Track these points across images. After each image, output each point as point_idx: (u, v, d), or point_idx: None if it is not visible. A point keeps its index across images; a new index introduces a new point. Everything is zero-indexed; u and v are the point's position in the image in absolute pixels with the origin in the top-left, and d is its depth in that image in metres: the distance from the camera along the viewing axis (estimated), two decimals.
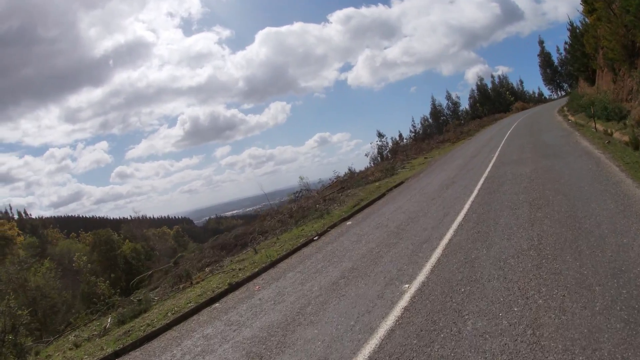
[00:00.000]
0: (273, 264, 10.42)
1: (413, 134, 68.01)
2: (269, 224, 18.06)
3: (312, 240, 11.87)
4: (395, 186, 17.39)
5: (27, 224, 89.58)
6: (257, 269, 10.18)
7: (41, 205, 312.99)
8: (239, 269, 10.91)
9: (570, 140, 16.15)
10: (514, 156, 15.46)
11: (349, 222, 13.11)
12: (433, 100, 77.40)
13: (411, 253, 7.53)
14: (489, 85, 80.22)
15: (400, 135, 68.57)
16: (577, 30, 33.86)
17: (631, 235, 5.74)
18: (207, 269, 13.15)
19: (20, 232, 65.85)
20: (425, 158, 25.57)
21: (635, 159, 10.27)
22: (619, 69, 18.98)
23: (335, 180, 25.15)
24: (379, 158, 36.74)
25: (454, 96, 79.79)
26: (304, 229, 13.65)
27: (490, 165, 14.79)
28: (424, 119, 75.28)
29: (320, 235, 12.21)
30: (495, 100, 75.45)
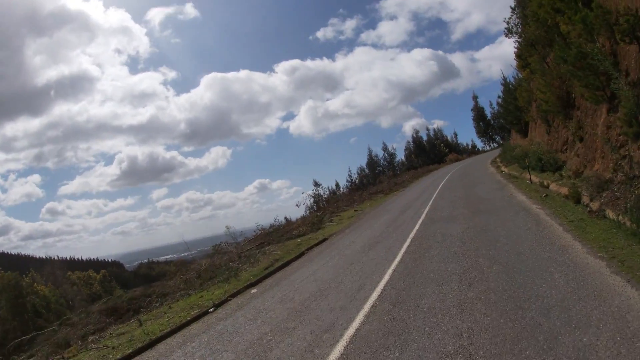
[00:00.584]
0: (151, 344, 8.49)
1: (349, 184, 68.01)
2: (174, 284, 15.83)
3: (206, 313, 9.90)
4: (317, 244, 15.62)
5: None
6: (131, 350, 8.39)
7: None
8: (113, 347, 9.16)
9: (505, 193, 15.28)
10: (445, 212, 14.26)
11: (254, 290, 11.09)
12: (370, 151, 78.39)
13: (306, 349, 5.69)
14: (425, 138, 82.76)
15: (337, 185, 68.28)
16: (510, 85, 34.93)
17: (592, 329, 4.31)
18: (89, 338, 11.08)
19: None
20: (355, 211, 24.16)
21: (579, 215, 9.17)
22: (553, 120, 18.77)
23: (258, 234, 23.05)
24: (314, 207, 35.30)
25: (390, 147, 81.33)
26: (204, 296, 11.72)
27: (420, 222, 13.45)
28: (361, 169, 75.54)
29: (217, 306, 10.29)
30: (430, 152, 77.54)
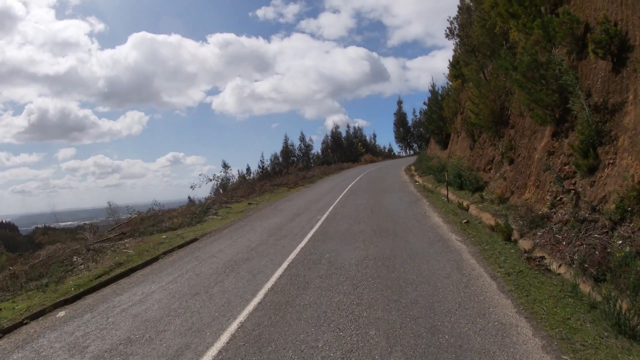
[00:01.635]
0: None
1: (260, 170, 64.43)
2: None
3: None
4: (182, 245, 12.32)
5: None
6: None
7: None
8: None
9: (418, 210, 12.87)
10: (343, 225, 11.50)
11: (61, 313, 7.61)
12: (286, 139, 74.99)
13: None
14: (344, 134, 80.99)
15: (249, 170, 64.41)
16: (438, 94, 33.27)
17: None
18: None
19: None
20: (249, 204, 20.93)
21: (514, 262, 6.74)
22: (479, 136, 16.79)
23: (129, 218, 19.10)
24: (220, 190, 31.62)
25: (307, 139, 78.60)
26: (3, 308, 8.03)
27: (309, 235, 10.63)
28: (274, 157, 72.24)
29: (4, 332, 6.70)
30: (347, 149, 75.88)
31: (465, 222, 10.47)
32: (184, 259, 10.20)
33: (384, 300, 5.61)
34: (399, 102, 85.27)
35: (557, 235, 7.42)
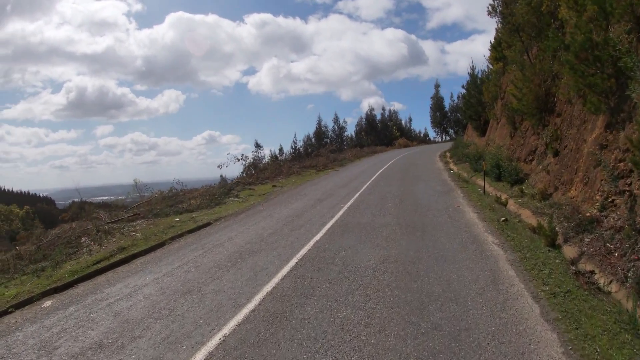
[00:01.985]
0: None
1: (292, 151, 63.62)
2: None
3: None
4: (192, 230, 11.62)
5: None
6: None
7: None
8: None
9: (451, 202, 11.71)
10: (366, 216, 10.49)
11: (47, 303, 7.05)
12: (319, 120, 73.55)
13: None
14: (378, 117, 78.84)
15: (281, 150, 63.67)
16: (478, 77, 31.34)
17: None
18: None
19: None
20: (273, 186, 20.08)
21: (561, 279, 5.55)
22: (521, 123, 15.29)
23: (148, 198, 18.61)
24: (252, 170, 31.08)
25: (342, 120, 76.83)
26: None
27: (328, 226, 9.71)
28: (307, 138, 71.19)
29: None
30: (381, 132, 73.93)
31: (503, 220, 9.24)
32: (189, 247, 9.40)
33: (400, 321, 4.56)
34: (437, 86, 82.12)
35: (608, 245, 6.18)
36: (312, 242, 8.27)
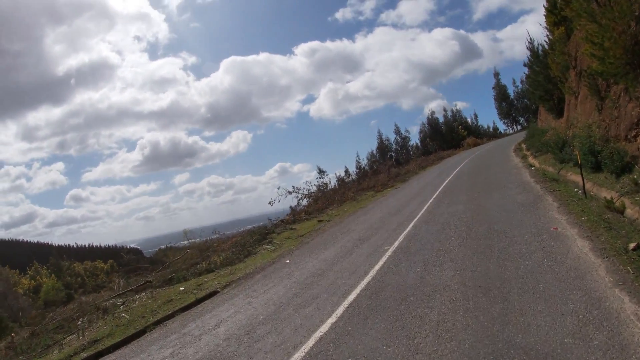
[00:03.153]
0: None
1: (357, 171, 60.08)
2: None
3: None
4: (186, 308, 9.04)
5: None
6: None
7: None
8: None
9: (542, 221, 7.85)
10: (415, 268, 6.86)
11: None
12: (380, 134, 69.82)
13: None
14: (442, 119, 73.23)
15: (347, 171, 60.29)
16: (539, 51, 26.44)
17: None
18: None
19: None
20: (319, 221, 16.74)
21: None
22: (608, 90, 11.07)
23: (175, 259, 16.31)
24: (304, 201, 28.38)
25: (403, 130, 71.90)
26: None
27: (349, 300, 6.18)
28: (371, 154, 67.45)
29: None
30: (447, 135, 68.28)
31: (633, 249, 5.25)
32: (166, 338, 6.88)
33: None
34: (496, 75, 75.07)
35: None
36: (310, 343, 4.76)
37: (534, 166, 16.28)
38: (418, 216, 11.40)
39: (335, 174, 57.14)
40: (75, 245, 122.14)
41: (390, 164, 36.65)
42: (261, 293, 7.99)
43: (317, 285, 7.31)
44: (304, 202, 25.61)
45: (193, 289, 10.19)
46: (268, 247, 13.52)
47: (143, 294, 11.10)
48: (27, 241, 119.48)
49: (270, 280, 8.94)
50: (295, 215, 19.40)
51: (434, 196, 14.69)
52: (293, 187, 25.78)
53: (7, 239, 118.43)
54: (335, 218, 16.74)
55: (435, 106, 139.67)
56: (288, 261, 10.52)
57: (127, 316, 9.26)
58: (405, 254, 7.72)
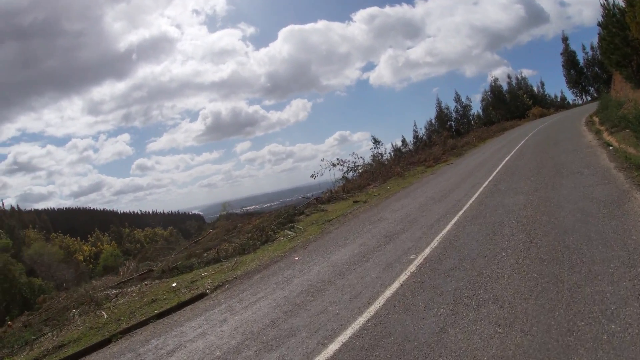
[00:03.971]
0: None
1: (415, 141, 56.50)
2: None
3: None
4: (164, 314, 7.30)
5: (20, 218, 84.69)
6: None
7: (61, 194, 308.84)
8: None
9: (632, 235, 4.98)
10: (438, 307, 4.40)
11: None
12: (439, 102, 64.92)
13: None
14: (505, 87, 66.68)
15: (404, 141, 56.94)
16: (614, 12, 21.98)
17: None
18: None
19: None
20: (354, 202, 14.53)
21: None
22: None
23: (200, 238, 14.85)
24: (371, 168, 26.25)
25: (464, 98, 65.91)
26: None
27: (347, 333, 3.70)
28: (429, 123, 63.31)
29: None
30: (511, 104, 61.92)
31: None
32: (120, 358, 5.37)
33: None
34: (564, 39, 66.55)
35: None
36: None
37: (612, 145, 12.97)
38: (465, 208, 8.84)
39: (392, 144, 54.03)
40: (139, 212, 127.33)
41: (446, 134, 33.06)
42: (243, 307, 6.13)
43: (304, 311, 5.21)
44: (350, 175, 23.36)
45: (185, 285, 8.57)
46: (289, 233, 11.54)
47: (138, 286, 9.64)
48: (93, 209, 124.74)
49: (264, 286, 7.03)
50: (332, 193, 17.23)
51: (490, 179, 11.94)
52: (337, 159, 23.45)
53: (74, 207, 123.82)
54: (373, 199, 14.42)
55: (500, 73, 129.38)
56: (296, 259, 8.52)
57: (106, 316, 7.87)
58: (432, 273, 5.36)
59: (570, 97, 69.97)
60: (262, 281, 7.49)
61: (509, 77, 67.15)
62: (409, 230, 8.09)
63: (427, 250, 6.38)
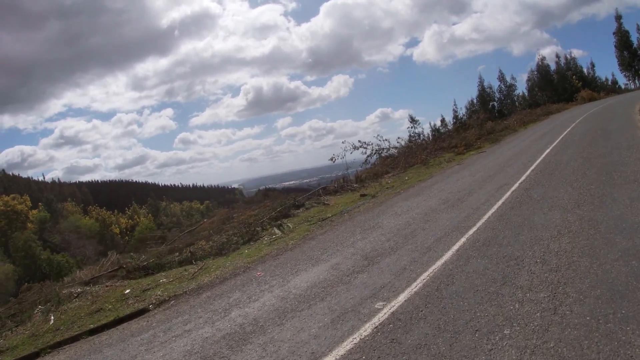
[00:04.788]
0: None
1: (454, 121, 52.61)
2: None
3: None
4: (102, 327, 6.00)
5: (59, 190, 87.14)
6: None
7: (106, 167, 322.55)
8: None
9: None
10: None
11: None
12: (481, 81, 59.91)
13: None
14: (553, 67, 60.07)
15: (443, 121, 52.89)
16: None
17: None
18: None
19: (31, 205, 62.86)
20: (362, 195, 12.41)
21: None
22: None
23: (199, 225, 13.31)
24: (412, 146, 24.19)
25: (508, 77, 59.85)
26: None
27: None
28: (470, 103, 58.92)
29: None
30: (559, 86, 55.60)
31: None
32: None
33: None
34: (618, 18, 58.90)
35: None
36: None
37: None
38: (479, 223, 6.58)
39: (430, 124, 50.59)
40: (180, 185, 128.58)
41: (483, 116, 29.57)
42: (161, 343, 4.71)
43: None
44: (374, 159, 20.98)
45: (135, 294, 7.07)
46: (276, 232, 9.66)
47: (102, 285, 8.24)
48: (135, 181, 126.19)
49: (201, 313, 5.51)
50: (343, 182, 15.07)
51: (522, 179, 9.47)
52: (359, 141, 20.93)
53: (117, 180, 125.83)
54: (383, 193, 12.24)
55: (549, 53, 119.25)
56: (259, 274, 6.68)
57: (52, 321, 6.66)
58: (388, 349, 3.34)
59: (622, 80, 63.06)
60: (205, 304, 5.80)
61: (557, 56, 60.73)
62: (397, 253, 5.98)
63: (402, 299, 4.31)
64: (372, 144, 20.94)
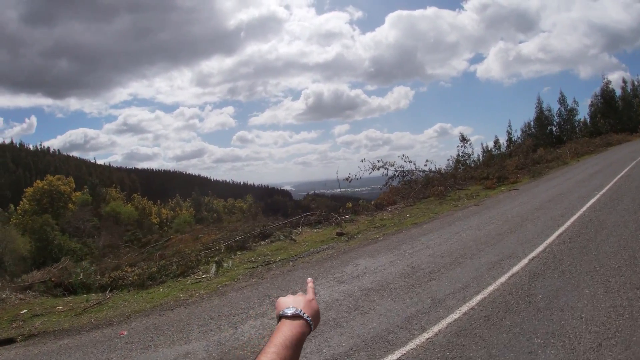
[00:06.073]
0: None
1: (507, 143, 47.56)
2: None
3: None
4: None
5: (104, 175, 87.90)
6: None
7: (165, 156, 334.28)
8: None
9: None
10: None
11: None
12: (539, 102, 53.43)
13: None
14: (618, 93, 52.02)
15: (497, 142, 47.91)
16: None
17: None
18: None
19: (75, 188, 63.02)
20: (338, 234, 9.78)
21: None
22: None
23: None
24: (460, 167, 22.32)
25: (570, 101, 52.55)
26: None
27: None
28: (527, 126, 53.02)
29: None
30: (624, 114, 47.97)
31: None
32: None
33: None
34: None
35: None
36: None
37: None
38: (410, 346, 3.96)
39: (482, 145, 45.98)
40: (231, 182, 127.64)
41: (529, 143, 25.28)
42: None
43: None
44: (396, 182, 18.11)
45: (26, 317, 5.71)
46: (211, 270, 7.40)
47: (14, 296, 6.69)
48: (189, 173, 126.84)
49: None
50: (336, 212, 12.35)
51: (537, 251, 6.40)
52: (379, 160, 18.10)
53: (171, 170, 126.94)
54: (362, 235, 9.50)
55: (616, 78, 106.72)
56: (124, 333, 4.59)
57: None
58: None
59: None
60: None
61: (624, 81, 52.49)
62: None
63: None
64: (394, 164, 18.14)
